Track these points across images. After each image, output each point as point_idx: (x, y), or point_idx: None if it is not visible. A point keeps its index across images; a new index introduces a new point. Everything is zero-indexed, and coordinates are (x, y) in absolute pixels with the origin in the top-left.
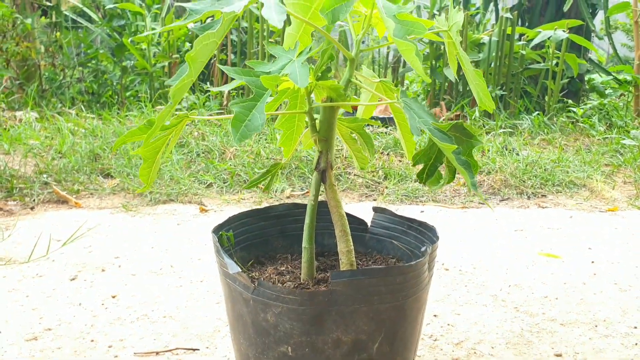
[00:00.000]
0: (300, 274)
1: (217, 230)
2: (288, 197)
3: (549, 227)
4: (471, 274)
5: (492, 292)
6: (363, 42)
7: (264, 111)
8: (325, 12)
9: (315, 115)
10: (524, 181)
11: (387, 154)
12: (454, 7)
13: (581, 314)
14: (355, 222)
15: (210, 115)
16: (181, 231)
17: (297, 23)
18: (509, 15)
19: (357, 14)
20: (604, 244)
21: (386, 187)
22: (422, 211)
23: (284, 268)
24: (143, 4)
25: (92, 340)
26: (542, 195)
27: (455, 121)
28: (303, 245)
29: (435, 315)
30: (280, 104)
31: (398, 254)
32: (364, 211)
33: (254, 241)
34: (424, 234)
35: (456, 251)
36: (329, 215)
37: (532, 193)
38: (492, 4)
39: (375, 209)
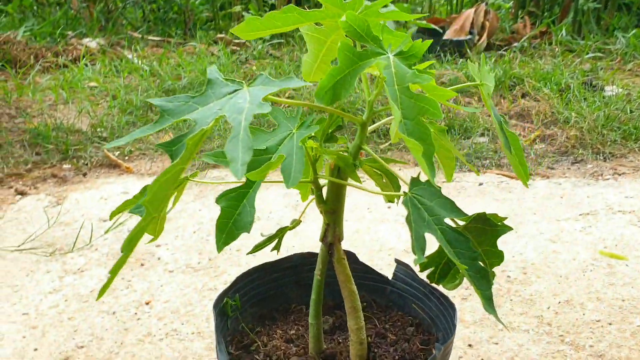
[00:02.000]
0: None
1: (221, 298)
2: None
3: (621, 210)
4: (519, 282)
5: (538, 312)
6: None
7: (254, 203)
8: (323, 91)
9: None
10: (602, 135)
11: (454, 100)
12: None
13: (635, 349)
14: (375, 274)
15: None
16: None
17: (314, 53)
18: None
19: (369, 71)
20: None
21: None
22: (480, 183)
23: (293, 332)
24: None
25: None
26: (622, 156)
27: (477, 213)
28: (309, 322)
29: (469, 346)
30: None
31: (418, 317)
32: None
33: (267, 295)
34: (446, 308)
35: (508, 244)
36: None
37: (610, 153)
38: None
39: (398, 262)
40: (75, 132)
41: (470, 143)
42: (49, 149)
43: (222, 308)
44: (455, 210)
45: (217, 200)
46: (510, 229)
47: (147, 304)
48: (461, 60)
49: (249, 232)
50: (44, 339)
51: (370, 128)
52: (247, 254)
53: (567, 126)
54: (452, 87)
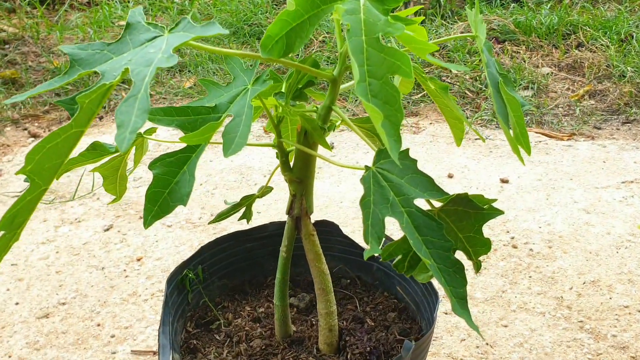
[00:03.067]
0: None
1: (180, 270)
2: None
3: None
4: (542, 257)
5: (558, 293)
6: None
7: (195, 171)
8: (272, 41)
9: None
10: None
11: (495, 42)
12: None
13: None
14: (362, 249)
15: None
16: (240, 161)
17: None
18: None
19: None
20: None
21: (485, 98)
22: None
23: (262, 310)
24: None
25: (99, 325)
26: None
27: (457, 194)
28: (275, 303)
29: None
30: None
31: (403, 302)
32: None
33: (239, 265)
34: (431, 295)
35: (536, 214)
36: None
37: None
38: None
39: (387, 238)
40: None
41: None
42: (69, 90)
43: (179, 282)
44: (431, 189)
45: (151, 166)
46: (500, 212)
47: (138, 260)
48: (513, 5)
49: (185, 205)
50: (27, 292)
51: (344, 87)
52: (209, 223)
53: (622, 81)
54: (438, 40)
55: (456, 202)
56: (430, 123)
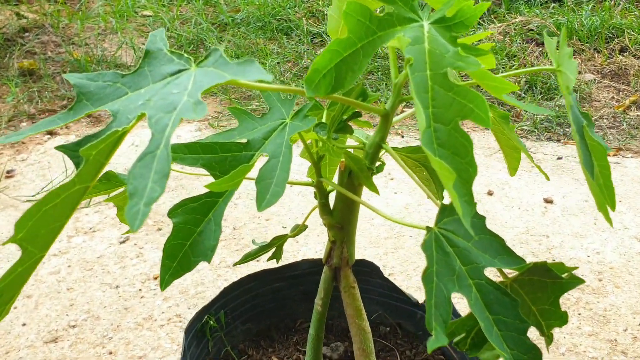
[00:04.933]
0: None
1: (200, 316)
2: None
3: None
4: (592, 291)
5: (611, 335)
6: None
7: (221, 219)
8: (319, 74)
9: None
10: None
11: (534, 45)
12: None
13: None
14: (404, 295)
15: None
16: None
17: (339, 5)
18: None
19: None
20: None
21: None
22: (559, 157)
23: None
24: None
25: (111, 353)
26: None
27: (534, 263)
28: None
29: None
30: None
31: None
32: (491, 141)
33: (265, 308)
34: None
35: (584, 240)
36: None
37: None
38: None
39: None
40: (118, 66)
41: (553, 105)
42: (91, 68)
43: (199, 330)
44: (503, 254)
45: (171, 213)
46: (581, 281)
47: (155, 278)
48: (553, 4)
49: (209, 262)
50: (35, 312)
51: (397, 119)
52: (234, 264)
53: None
54: (513, 72)
55: (532, 271)
56: (467, 131)
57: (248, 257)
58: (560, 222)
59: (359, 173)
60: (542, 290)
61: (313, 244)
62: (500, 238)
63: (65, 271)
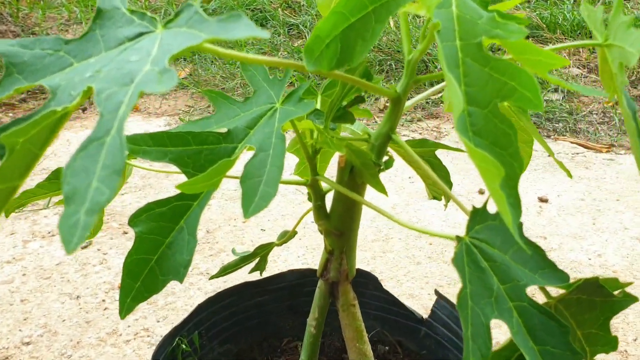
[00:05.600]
0: None
1: (170, 339)
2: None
3: None
4: None
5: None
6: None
7: (197, 228)
8: (322, 44)
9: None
10: None
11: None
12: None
13: None
14: (406, 310)
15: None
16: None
17: None
18: None
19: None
20: None
21: None
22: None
23: None
24: None
25: None
26: None
27: (585, 279)
28: None
29: None
30: None
31: None
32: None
33: (247, 324)
34: None
35: (584, 242)
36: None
37: None
38: None
39: (439, 295)
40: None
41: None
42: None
43: (169, 354)
44: (545, 268)
45: (132, 221)
46: (636, 299)
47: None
48: None
49: (181, 282)
50: None
51: (409, 103)
52: (211, 278)
53: None
54: (555, 47)
55: (581, 289)
56: (453, 127)
57: (227, 269)
58: (557, 222)
59: (363, 170)
60: (590, 311)
61: (295, 248)
62: (540, 248)
63: (19, 280)
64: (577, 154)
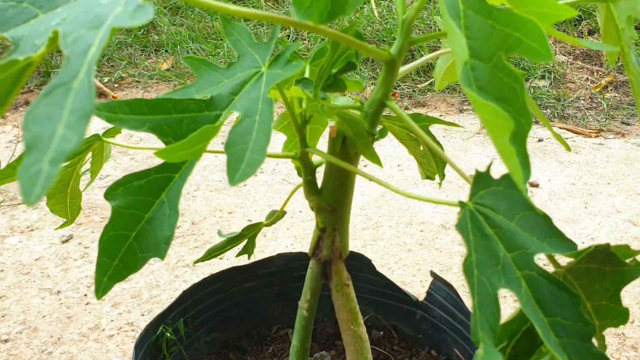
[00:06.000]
0: None
1: (154, 327)
2: None
3: None
4: None
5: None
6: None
7: (179, 201)
8: None
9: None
10: None
11: None
12: None
13: None
14: (400, 292)
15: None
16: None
17: None
18: None
19: None
20: None
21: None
22: (540, 139)
23: None
24: None
25: None
26: None
27: (595, 246)
28: None
29: None
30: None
31: None
32: (467, 124)
33: (233, 313)
34: None
35: (576, 226)
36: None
37: None
38: None
39: (435, 276)
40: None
41: (527, 87)
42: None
43: (153, 344)
44: (552, 236)
45: (108, 194)
46: None
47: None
48: None
49: (162, 258)
50: None
51: (404, 69)
52: (195, 262)
53: None
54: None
55: (591, 257)
56: (441, 115)
57: (213, 252)
58: (549, 207)
59: (356, 140)
60: (600, 281)
61: (283, 238)
62: (547, 216)
63: None
64: (566, 139)
